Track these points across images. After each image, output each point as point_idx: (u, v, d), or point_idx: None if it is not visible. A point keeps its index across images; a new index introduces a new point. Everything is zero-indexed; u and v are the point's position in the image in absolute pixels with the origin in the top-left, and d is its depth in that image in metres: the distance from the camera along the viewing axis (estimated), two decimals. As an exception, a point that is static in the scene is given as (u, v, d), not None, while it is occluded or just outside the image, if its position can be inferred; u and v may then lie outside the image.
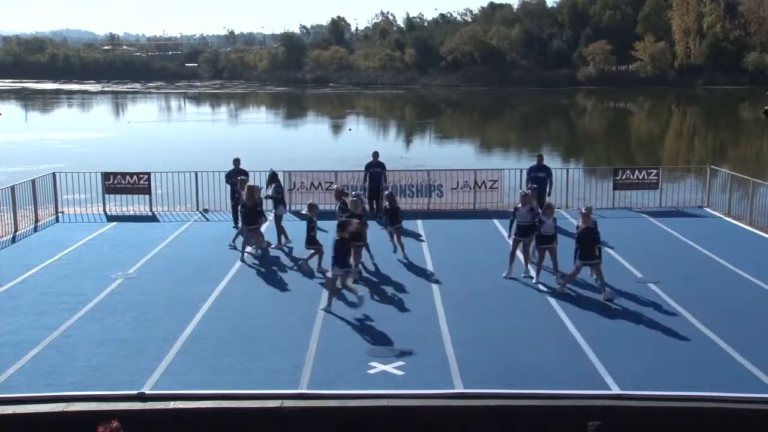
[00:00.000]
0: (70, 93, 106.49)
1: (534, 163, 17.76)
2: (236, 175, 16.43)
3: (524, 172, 18.27)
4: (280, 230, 15.46)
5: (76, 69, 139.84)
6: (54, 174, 19.23)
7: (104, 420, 6.06)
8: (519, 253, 13.36)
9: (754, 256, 14.50)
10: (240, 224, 15.20)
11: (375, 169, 18.06)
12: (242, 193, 14.72)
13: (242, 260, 14.36)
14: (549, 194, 16.85)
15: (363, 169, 18.48)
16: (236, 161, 16.98)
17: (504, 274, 12.98)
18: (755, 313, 11.28)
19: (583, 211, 12.13)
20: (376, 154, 18.18)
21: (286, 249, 15.28)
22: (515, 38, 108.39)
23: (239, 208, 15.09)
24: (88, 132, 51.14)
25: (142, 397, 8.48)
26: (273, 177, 16.29)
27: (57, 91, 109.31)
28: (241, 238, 14.92)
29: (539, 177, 17.03)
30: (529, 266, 13.14)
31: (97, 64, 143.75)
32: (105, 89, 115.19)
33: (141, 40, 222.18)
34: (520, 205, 13.18)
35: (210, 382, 8.85)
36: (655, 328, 10.66)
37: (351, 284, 11.72)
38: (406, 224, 17.24)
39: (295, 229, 16.19)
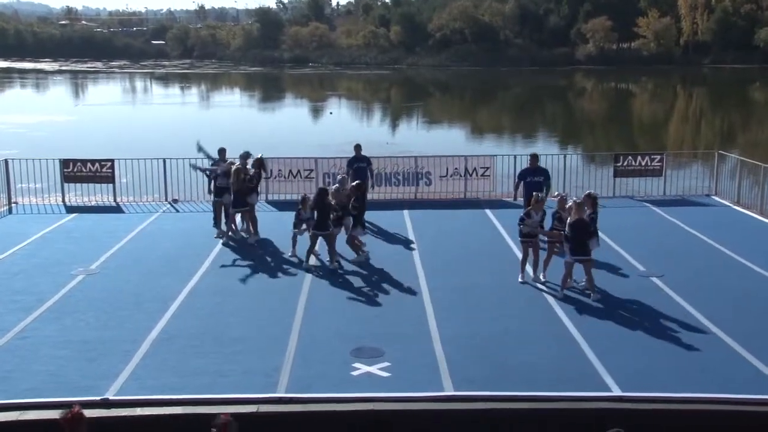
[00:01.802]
0: (22, 72, 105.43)
1: (527, 165, 15.80)
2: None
3: (515, 161, 17.80)
4: (253, 220, 15.53)
5: (30, 45, 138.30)
6: (6, 161, 19.03)
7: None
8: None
9: (765, 247, 14.64)
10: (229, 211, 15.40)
11: (360, 164, 17.02)
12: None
13: (222, 236, 14.97)
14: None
15: (344, 155, 18.33)
16: (221, 152, 16.75)
17: (520, 280, 12.76)
18: (767, 308, 11.40)
19: (577, 200, 12.12)
20: (358, 148, 17.19)
21: (251, 240, 15.33)
22: (509, 14, 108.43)
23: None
24: (45, 115, 50.66)
25: (105, 404, 8.44)
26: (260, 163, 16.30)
27: (8, 70, 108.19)
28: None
29: (535, 182, 15.07)
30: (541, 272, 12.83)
31: (52, 41, 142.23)
32: (62, 68, 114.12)
33: (102, 14, 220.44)
34: (531, 210, 12.57)
35: (180, 386, 8.83)
36: (659, 325, 10.74)
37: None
38: (392, 214, 17.35)
39: (273, 218, 16.20)
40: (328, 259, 13.72)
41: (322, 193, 13.66)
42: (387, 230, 16.16)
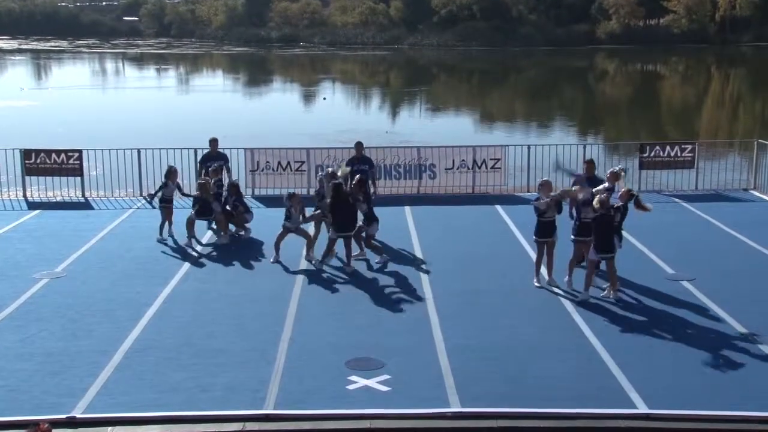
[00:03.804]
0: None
1: (580, 172, 14.24)
2: (210, 162, 16.32)
3: (528, 152, 17.43)
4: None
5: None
6: (-39, 152, 19.09)
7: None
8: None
9: (809, 248, 14.67)
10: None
11: (360, 166, 16.10)
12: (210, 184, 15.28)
13: (188, 245, 15.02)
14: None
15: (339, 145, 18.33)
16: (213, 142, 16.70)
17: (535, 283, 12.81)
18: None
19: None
20: (360, 146, 16.50)
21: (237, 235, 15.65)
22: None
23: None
24: (3, 100, 50.61)
25: (72, 422, 8.45)
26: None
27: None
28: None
29: None
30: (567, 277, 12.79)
31: (11, 16, 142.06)
32: (22, 47, 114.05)
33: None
34: (540, 196, 12.57)
35: (156, 402, 8.85)
36: (690, 334, 10.77)
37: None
38: (392, 210, 17.37)
39: (260, 216, 16.21)
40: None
41: (338, 188, 13.53)
42: (386, 229, 16.12)
